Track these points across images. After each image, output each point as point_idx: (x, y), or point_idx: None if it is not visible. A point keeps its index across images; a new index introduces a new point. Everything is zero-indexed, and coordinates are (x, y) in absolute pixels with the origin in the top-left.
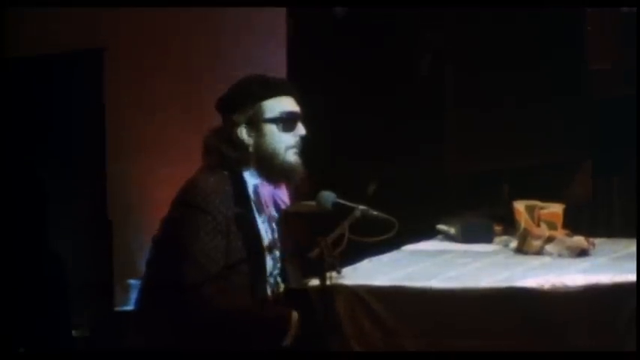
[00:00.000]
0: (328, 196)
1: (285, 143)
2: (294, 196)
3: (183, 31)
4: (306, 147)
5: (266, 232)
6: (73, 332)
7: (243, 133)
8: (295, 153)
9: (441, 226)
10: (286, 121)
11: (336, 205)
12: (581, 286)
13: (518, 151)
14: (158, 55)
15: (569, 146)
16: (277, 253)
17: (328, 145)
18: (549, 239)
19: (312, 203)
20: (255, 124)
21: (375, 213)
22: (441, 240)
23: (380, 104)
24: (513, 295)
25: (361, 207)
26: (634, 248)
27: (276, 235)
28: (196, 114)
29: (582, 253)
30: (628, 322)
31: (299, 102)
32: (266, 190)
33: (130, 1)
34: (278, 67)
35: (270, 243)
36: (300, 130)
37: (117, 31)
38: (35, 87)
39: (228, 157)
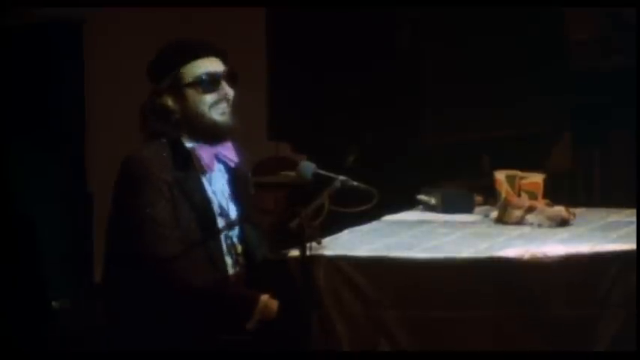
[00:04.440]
0: (308, 167)
1: (208, 104)
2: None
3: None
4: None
5: (214, 193)
6: (53, 304)
7: (168, 100)
8: (221, 112)
9: (422, 197)
10: (207, 83)
11: (315, 175)
12: (561, 256)
13: (497, 121)
14: (137, 26)
15: (548, 116)
16: (232, 214)
17: (308, 116)
18: (530, 209)
19: (292, 174)
20: (178, 90)
21: (354, 183)
22: (422, 210)
23: (359, 76)
24: (493, 265)
25: (341, 177)
26: (614, 218)
27: (227, 196)
28: None
29: (563, 222)
30: (607, 292)
31: (224, 61)
32: (205, 152)
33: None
34: (255, 36)
35: (221, 204)
36: (225, 89)
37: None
38: (14, 57)
39: (158, 126)
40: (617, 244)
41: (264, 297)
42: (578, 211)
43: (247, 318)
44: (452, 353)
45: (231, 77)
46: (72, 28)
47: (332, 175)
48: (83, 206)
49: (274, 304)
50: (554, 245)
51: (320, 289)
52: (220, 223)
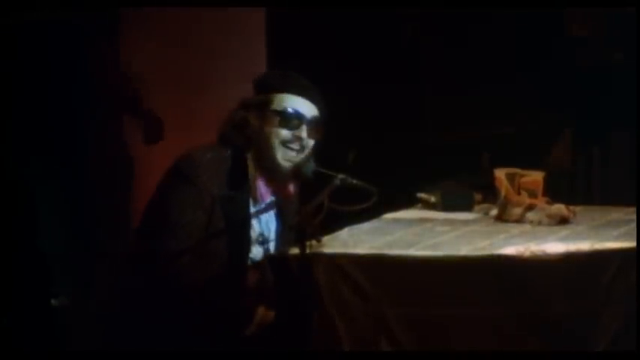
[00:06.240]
0: (308, 165)
1: (280, 138)
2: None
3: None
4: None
5: (259, 220)
6: (53, 301)
7: (251, 116)
8: (287, 157)
9: (422, 195)
10: (289, 118)
11: (316, 173)
12: (561, 254)
13: (497, 119)
14: (137, 26)
15: (548, 114)
16: (271, 245)
17: None
18: (530, 207)
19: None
20: (264, 111)
21: (355, 181)
22: (421, 208)
23: (359, 75)
24: (493, 263)
25: (341, 175)
26: (614, 216)
27: (272, 227)
28: (189, 83)
29: (563, 221)
30: (606, 290)
31: (318, 109)
32: (263, 183)
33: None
34: (258, 39)
35: (261, 234)
36: (303, 133)
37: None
38: (16, 57)
39: (231, 134)
40: (617, 241)
41: (261, 309)
42: (578, 209)
43: (245, 329)
44: (452, 352)
45: (316, 128)
46: (76, 28)
47: (332, 173)
48: (84, 204)
49: (270, 315)
50: (555, 243)
51: (320, 287)
52: (256, 250)
